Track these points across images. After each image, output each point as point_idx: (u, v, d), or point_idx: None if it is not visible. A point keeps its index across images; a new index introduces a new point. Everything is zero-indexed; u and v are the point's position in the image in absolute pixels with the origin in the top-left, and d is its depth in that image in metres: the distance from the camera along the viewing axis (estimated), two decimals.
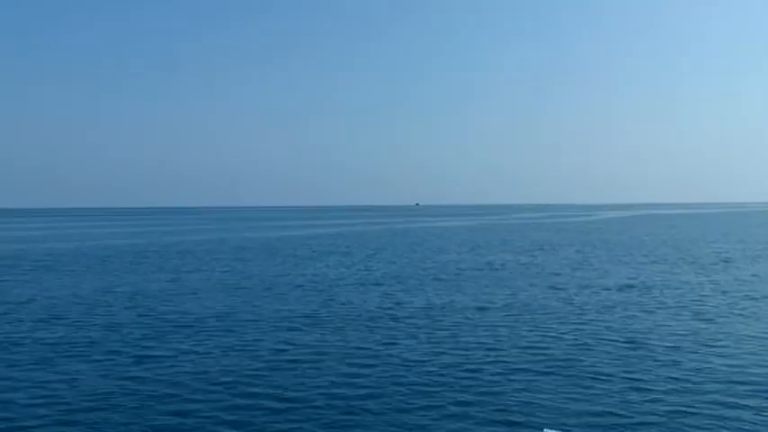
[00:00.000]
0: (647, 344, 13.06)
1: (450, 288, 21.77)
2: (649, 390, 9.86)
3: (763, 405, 9.11)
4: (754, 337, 13.74)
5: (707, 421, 8.41)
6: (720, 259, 32.12)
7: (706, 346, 12.90)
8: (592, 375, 10.73)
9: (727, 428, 8.11)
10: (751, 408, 8.97)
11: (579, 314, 16.65)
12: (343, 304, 18.51)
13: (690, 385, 10.19)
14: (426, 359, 12.07)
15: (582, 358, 11.87)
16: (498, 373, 10.98)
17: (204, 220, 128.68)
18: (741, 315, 16.32)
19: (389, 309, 17.96)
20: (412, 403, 9.33)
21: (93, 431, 8.26)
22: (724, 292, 20.27)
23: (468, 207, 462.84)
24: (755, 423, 8.32)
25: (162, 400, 9.56)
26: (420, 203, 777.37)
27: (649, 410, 8.87)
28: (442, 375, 10.87)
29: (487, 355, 12.30)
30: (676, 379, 10.54)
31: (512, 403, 9.24)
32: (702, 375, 10.70)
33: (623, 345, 13.01)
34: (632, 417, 8.59)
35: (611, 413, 8.76)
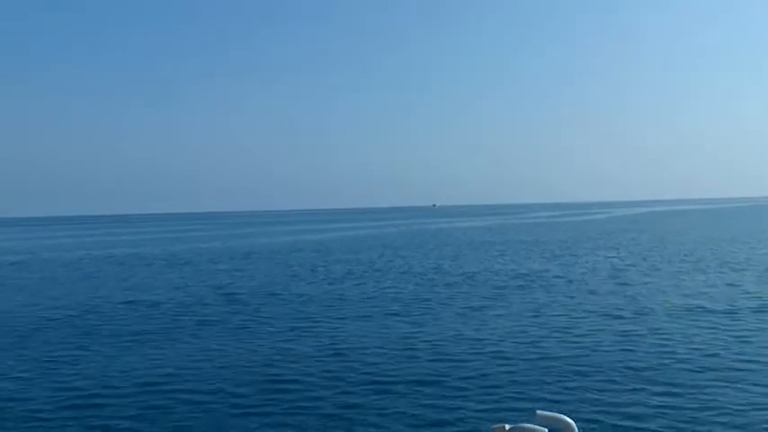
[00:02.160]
0: None
1: (473, 312, 16.90)
2: None
3: None
4: None
5: None
6: None
7: None
8: None
9: None
10: None
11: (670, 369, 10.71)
12: (336, 329, 13.83)
13: None
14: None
15: None
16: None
17: (221, 225, 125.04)
18: None
19: (400, 334, 13.57)
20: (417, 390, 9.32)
21: None
22: None
23: (483, 207, 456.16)
24: None
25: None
26: (437, 204, 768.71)
27: None
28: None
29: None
30: None
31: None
32: None
33: None
34: None
35: None
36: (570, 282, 22.63)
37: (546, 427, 2.74)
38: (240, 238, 65.73)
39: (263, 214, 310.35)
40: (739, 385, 9.20)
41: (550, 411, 2.76)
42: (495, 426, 2.79)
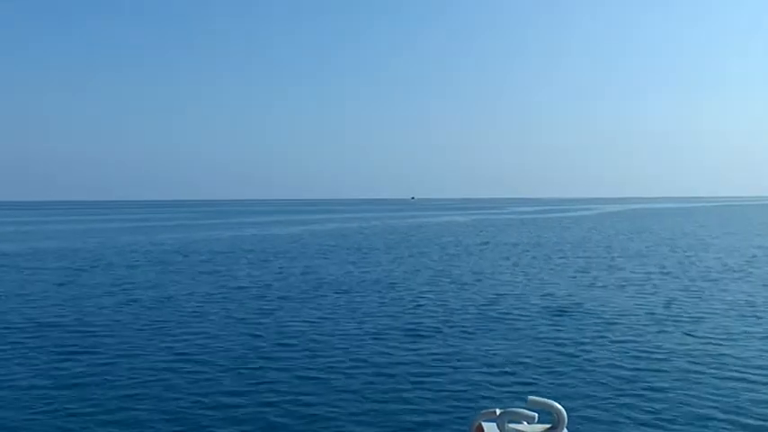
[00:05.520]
0: None
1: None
2: None
3: None
4: None
5: None
6: None
7: None
8: None
9: None
10: None
11: None
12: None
13: None
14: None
15: None
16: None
17: (204, 213, 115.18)
18: None
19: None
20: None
21: None
22: None
23: (462, 200, 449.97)
24: None
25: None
26: (415, 197, 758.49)
27: None
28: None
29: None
30: None
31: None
32: None
33: None
34: None
35: None
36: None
37: (537, 411, 2.92)
38: (206, 229, 56.32)
39: (238, 203, 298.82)
40: (741, 383, 9.20)
41: (542, 397, 2.83)
42: (486, 410, 2.72)
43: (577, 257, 28.79)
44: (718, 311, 15.18)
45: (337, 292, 18.60)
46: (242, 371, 10.41)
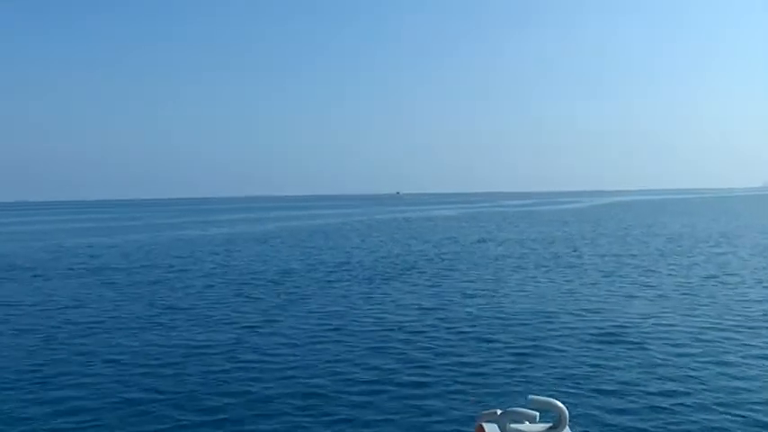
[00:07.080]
0: None
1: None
2: None
3: None
4: None
5: None
6: None
7: None
8: None
9: None
10: None
11: None
12: None
13: None
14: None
15: None
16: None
17: (173, 212, 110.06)
18: None
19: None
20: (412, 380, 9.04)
21: None
22: None
23: (449, 195, 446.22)
24: None
25: None
26: (400, 192, 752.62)
27: None
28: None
29: None
30: None
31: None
32: None
33: None
34: None
35: None
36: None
37: (538, 411, 2.65)
38: (176, 228, 51.66)
39: (221, 201, 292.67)
40: (745, 383, 8.55)
41: (543, 396, 2.67)
42: (487, 410, 2.67)
43: (593, 255, 24.77)
44: None
45: (323, 300, 14.36)
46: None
